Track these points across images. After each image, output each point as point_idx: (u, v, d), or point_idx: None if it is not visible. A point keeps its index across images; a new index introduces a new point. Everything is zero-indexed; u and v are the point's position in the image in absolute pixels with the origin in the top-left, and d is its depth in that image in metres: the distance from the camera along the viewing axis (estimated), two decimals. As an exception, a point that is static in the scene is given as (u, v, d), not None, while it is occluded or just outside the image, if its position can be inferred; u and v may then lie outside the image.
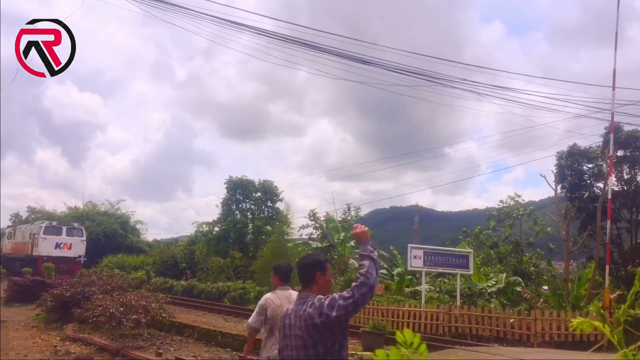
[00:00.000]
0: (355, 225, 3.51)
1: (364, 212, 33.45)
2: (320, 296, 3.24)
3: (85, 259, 33.86)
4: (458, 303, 17.43)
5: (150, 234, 66.69)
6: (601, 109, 18.63)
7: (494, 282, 20.49)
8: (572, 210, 21.55)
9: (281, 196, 38.23)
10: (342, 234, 26.59)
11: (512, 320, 14.81)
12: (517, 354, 10.95)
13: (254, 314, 5.50)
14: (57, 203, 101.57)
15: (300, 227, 28.53)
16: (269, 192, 37.91)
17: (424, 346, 2.01)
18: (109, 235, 41.94)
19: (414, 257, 17.66)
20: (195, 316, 18.10)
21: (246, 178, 38.00)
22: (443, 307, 16.35)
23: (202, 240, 37.55)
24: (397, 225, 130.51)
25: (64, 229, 34.20)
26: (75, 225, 36.00)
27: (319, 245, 26.05)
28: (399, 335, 2.07)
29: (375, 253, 3.29)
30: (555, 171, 22.48)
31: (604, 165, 21.52)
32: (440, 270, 19.19)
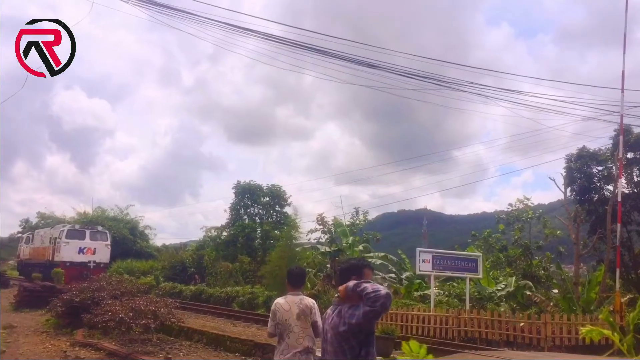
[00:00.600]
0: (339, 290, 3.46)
1: (372, 215, 33.43)
2: (346, 305, 3.33)
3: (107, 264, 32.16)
4: (467, 307, 17.36)
5: (158, 239, 67.01)
6: (610, 111, 18.53)
7: (503, 286, 20.40)
8: (581, 213, 21.41)
9: (289, 200, 38.29)
10: (350, 238, 26.55)
11: (522, 324, 14.73)
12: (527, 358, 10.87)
13: (269, 320, 5.51)
14: (66, 208, 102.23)
15: (308, 232, 28.52)
16: (277, 196, 37.94)
17: (430, 356, 2.00)
18: (118, 240, 42.05)
19: (423, 261, 17.61)
20: (204, 321, 18.11)
21: (254, 182, 38.09)
22: (452, 311, 16.28)
23: (211, 245, 37.61)
24: (405, 229, 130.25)
25: (88, 232, 32.19)
26: (99, 228, 34.05)
27: (327, 249, 26.02)
28: (404, 347, 2.07)
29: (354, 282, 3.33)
30: (564, 174, 22.35)
31: (614, 167, 21.36)
32: (449, 274, 19.13)
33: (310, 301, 5.49)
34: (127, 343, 12.88)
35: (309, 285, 23.41)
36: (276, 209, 38.12)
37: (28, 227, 60.52)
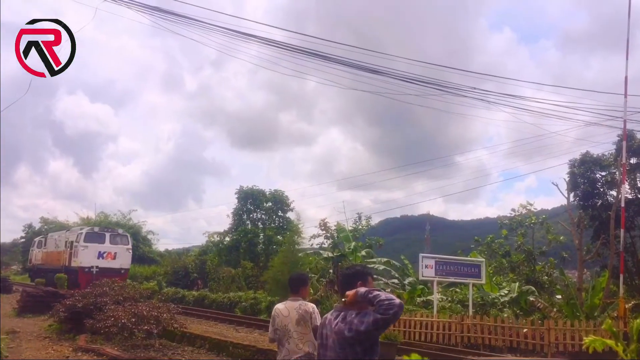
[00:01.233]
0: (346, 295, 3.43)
1: (374, 221, 33.48)
2: (352, 311, 3.30)
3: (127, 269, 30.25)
4: (470, 313, 17.31)
5: (161, 244, 66.95)
6: (613, 117, 18.52)
7: (506, 292, 20.34)
8: (585, 218, 21.37)
9: (292, 206, 38.29)
10: (353, 243, 26.53)
11: (525, 330, 14.68)
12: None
13: (269, 325, 5.52)
14: (69, 214, 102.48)
15: (311, 237, 28.52)
16: (279, 201, 37.94)
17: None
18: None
19: (426, 266, 17.57)
20: (206, 326, 18.09)
21: (257, 188, 38.10)
22: (455, 317, 16.23)
23: (213, 250, 37.64)
24: (408, 234, 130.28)
25: (107, 235, 29.92)
26: (120, 231, 32.00)
27: (330, 255, 26.00)
28: (406, 359, 2.07)
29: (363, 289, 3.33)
30: (567, 179, 22.32)
31: (617, 173, 21.34)
32: (452, 279, 19.09)
33: (310, 306, 5.47)
34: (129, 349, 12.87)
35: (311, 291, 23.39)
36: (279, 214, 38.12)
37: (31, 232, 60.64)
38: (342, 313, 3.35)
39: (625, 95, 15.87)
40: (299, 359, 5.22)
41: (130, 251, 30.66)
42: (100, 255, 28.67)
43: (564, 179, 22.13)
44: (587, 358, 13.57)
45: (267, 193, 37.99)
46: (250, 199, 37.45)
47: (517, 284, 21.26)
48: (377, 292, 3.20)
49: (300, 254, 26.38)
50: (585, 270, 21.71)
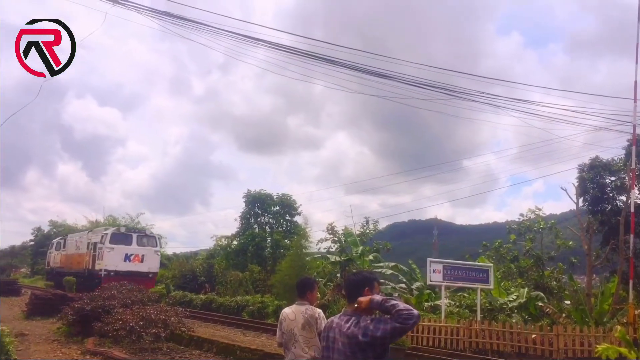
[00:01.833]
0: (359, 302, 3.47)
1: (382, 225, 33.31)
2: (365, 316, 3.36)
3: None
4: (478, 318, 17.23)
5: (169, 248, 67.18)
6: (622, 121, 18.40)
7: (515, 297, 20.23)
8: (594, 223, 21.24)
9: (299, 210, 38.32)
10: (361, 247, 26.49)
11: (533, 335, 14.60)
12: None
13: (277, 329, 5.55)
14: (78, 217, 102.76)
15: (318, 241, 28.47)
16: (287, 205, 37.98)
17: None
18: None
19: (433, 271, 17.51)
20: (214, 330, 18.12)
21: (264, 191, 38.16)
22: (463, 322, 16.16)
23: (221, 254, 37.68)
24: (415, 238, 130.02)
25: (134, 236, 28.31)
26: (148, 232, 30.17)
27: (337, 259, 25.97)
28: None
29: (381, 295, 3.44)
30: (576, 184, 22.20)
31: (627, 178, 21.20)
32: (460, 284, 19.01)
33: (317, 311, 5.49)
34: (137, 352, 12.91)
35: (318, 295, 23.35)
36: (286, 218, 38.16)
37: (40, 235, 61.05)
38: (354, 317, 3.38)
39: (635, 99, 15.78)
40: None
41: (159, 254, 29.01)
42: (127, 257, 27.06)
43: (573, 184, 22.02)
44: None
45: (275, 197, 38.04)
46: (257, 203, 37.50)
47: (525, 289, 21.14)
48: (395, 302, 3.26)
49: (307, 258, 26.36)
50: (594, 275, 21.56)
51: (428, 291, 22.77)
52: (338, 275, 25.81)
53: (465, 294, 22.75)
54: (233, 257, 35.77)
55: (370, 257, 26.58)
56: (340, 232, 27.91)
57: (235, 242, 37.41)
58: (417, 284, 24.13)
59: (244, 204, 37.93)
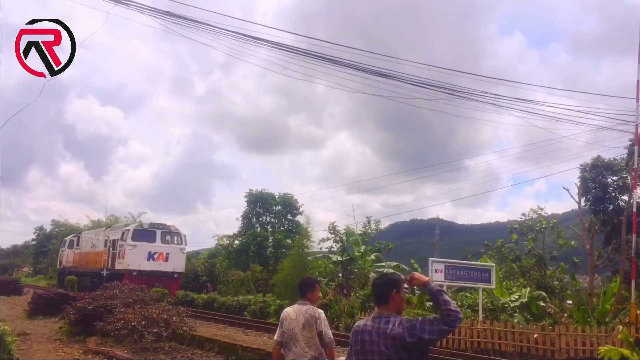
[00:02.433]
0: (413, 275, 3.72)
1: (384, 225, 33.36)
2: (406, 317, 3.48)
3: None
4: (480, 318, 17.20)
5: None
6: (625, 121, 18.36)
7: (517, 297, 20.20)
8: (596, 223, 21.21)
9: (301, 209, 38.31)
10: (362, 247, 26.51)
11: (535, 335, 14.57)
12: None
13: (278, 328, 5.56)
14: (80, 216, 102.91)
15: (320, 241, 28.53)
16: (289, 205, 37.98)
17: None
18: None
19: (435, 271, 17.49)
20: (215, 330, 18.12)
21: (266, 191, 38.17)
22: (465, 322, 16.13)
23: (223, 254, 37.71)
24: (417, 238, 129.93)
25: (158, 233, 26.04)
26: (173, 228, 27.35)
27: (339, 258, 25.97)
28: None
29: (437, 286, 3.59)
30: (578, 184, 22.18)
31: (629, 177, 21.17)
32: (462, 284, 18.98)
33: (317, 311, 5.51)
34: (139, 351, 12.92)
35: (320, 295, 23.34)
36: (288, 217, 38.18)
37: (42, 234, 61.19)
38: (392, 319, 3.46)
39: (637, 99, 15.76)
40: None
41: (185, 252, 27.17)
42: (150, 256, 25.10)
43: (575, 184, 21.99)
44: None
45: (277, 196, 38.04)
46: (259, 203, 37.51)
47: (527, 289, 21.11)
48: (448, 299, 3.39)
49: (309, 258, 26.40)
50: (596, 275, 21.51)
51: (430, 291, 22.73)
52: (340, 274, 25.82)
53: (467, 294, 22.73)
54: (235, 256, 35.79)
55: (372, 256, 26.61)
56: (342, 231, 27.96)
57: (237, 242, 37.43)
58: (419, 283, 24.09)
59: (245, 204, 37.97)
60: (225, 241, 38.93)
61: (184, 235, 27.31)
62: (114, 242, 26.35)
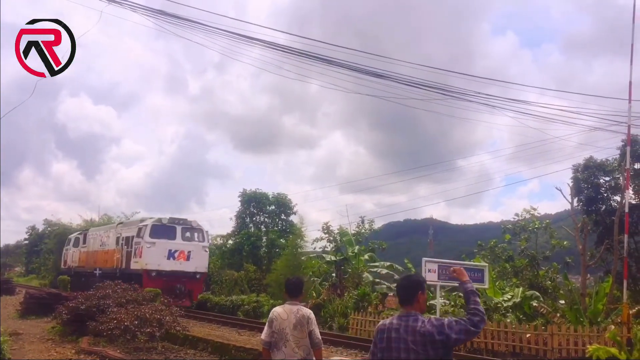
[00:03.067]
0: (454, 269, 4.07)
1: (377, 224, 33.32)
2: (434, 317, 3.72)
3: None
4: (473, 317, 17.23)
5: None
6: (617, 122, 18.46)
7: (509, 297, 20.27)
8: (588, 223, 21.30)
9: (295, 209, 38.31)
10: (356, 247, 26.50)
11: (528, 335, 14.62)
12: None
13: (265, 328, 5.56)
14: (73, 215, 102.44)
15: (313, 240, 28.52)
16: (282, 205, 37.99)
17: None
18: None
19: (429, 270, 17.46)
20: (209, 329, 18.09)
21: (260, 191, 38.16)
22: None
23: (216, 253, 37.62)
24: (411, 238, 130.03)
25: (179, 229, 23.76)
26: (194, 223, 25.00)
27: (333, 258, 25.99)
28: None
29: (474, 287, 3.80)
30: (571, 184, 22.27)
31: (621, 178, 21.29)
32: (455, 284, 18.98)
33: (307, 311, 5.59)
34: (132, 351, 12.89)
35: (314, 294, 23.37)
36: (282, 217, 38.19)
37: (34, 234, 60.88)
38: (420, 317, 3.60)
39: (630, 100, 15.83)
40: None
41: (207, 250, 25.05)
42: (171, 254, 22.94)
43: (568, 184, 22.09)
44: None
45: (270, 196, 38.04)
46: (253, 202, 37.50)
47: (520, 289, 21.19)
48: (479, 300, 3.62)
49: (303, 258, 26.40)
50: (588, 275, 21.61)
51: (423, 291, 22.76)
52: (333, 274, 25.83)
53: (460, 294, 22.76)
54: (228, 256, 35.75)
55: (366, 256, 26.61)
56: (336, 231, 27.94)
57: (230, 242, 37.40)
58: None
59: (239, 203, 37.94)
60: (219, 241, 38.87)
61: (207, 232, 25.49)
62: (127, 239, 24.46)
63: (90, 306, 15.20)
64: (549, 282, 23.11)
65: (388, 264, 25.88)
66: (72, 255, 32.04)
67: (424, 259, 18.23)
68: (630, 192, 18.35)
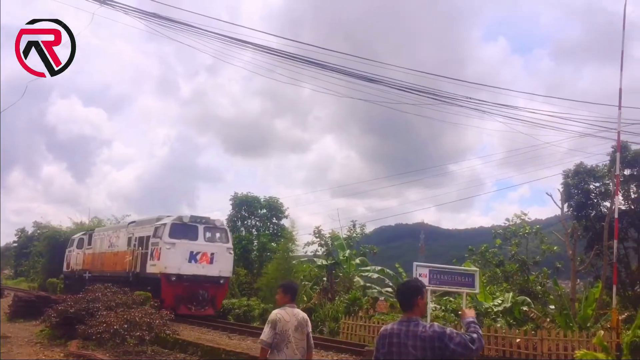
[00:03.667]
0: (464, 311, 4.16)
1: (369, 229, 33.36)
2: (438, 324, 3.77)
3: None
4: (464, 322, 17.26)
5: (155, 250, 66.65)
6: (607, 128, 18.58)
7: (500, 302, 20.33)
8: (578, 229, 21.44)
9: (286, 213, 38.26)
10: (347, 251, 26.50)
11: (518, 340, 14.67)
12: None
13: (266, 330, 5.61)
14: (63, 218, 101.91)
15: (305, 244, 28.48)
16: (274, 208, 37.93)
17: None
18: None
19: (420, 275, 17.45)
20: (199, 333, 18.00)
21: (251, 194, 38.08)
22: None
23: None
24: (402, 242, 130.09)
25: (201, 229, 21.73)
26: (217, 223, 22.90)
27: (324, 262, 25.97)
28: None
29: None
30: (561, 190, 22.42)
31: (611, 184, 21.45)
32: (446, 288, 19.00)
33: (304, 314, 5.85)
34: (121, 355, 12.80)
35: (305, 298, 23.33)
36: (273, 221, 38.10)
37: (24, 236, 60.41)
38: (421, 322, 3.72)
39: (620, 106, 15.93)
40: None
41: (232, 252, 22.92)
42: (192, 257, 20.93)
43: (558, 190, 22.26)
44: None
45: (262, 200, 37.96)
46: (244, 206, 37.41)
47: (510, 293, 21.26)
48: (478, 329, 3.76)
49: (294, 261, 26.33)
50: (578, 280, 21.76)
51: (414, 295, 22.75)
52: (324, 278, 25.80)
53: (451, 298, 22.81)
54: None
55: (357, 260, 26.61)
56: (327, 235, 27.93)
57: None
58: (404, 288, 24.11)
59: (230, 207, 37.84)
60: (210, 244, 38.68)
61: (230, 233, 23.63)
62: (141, 239, 22.46)
63: (79, 309, 15.08)
64: (539, 287, 23.22)
65: (379, 268, 25.87)
66: (75, 258, 30.11)
67: (415, 263, 18.24)
68: (619, 198, 18.47)
